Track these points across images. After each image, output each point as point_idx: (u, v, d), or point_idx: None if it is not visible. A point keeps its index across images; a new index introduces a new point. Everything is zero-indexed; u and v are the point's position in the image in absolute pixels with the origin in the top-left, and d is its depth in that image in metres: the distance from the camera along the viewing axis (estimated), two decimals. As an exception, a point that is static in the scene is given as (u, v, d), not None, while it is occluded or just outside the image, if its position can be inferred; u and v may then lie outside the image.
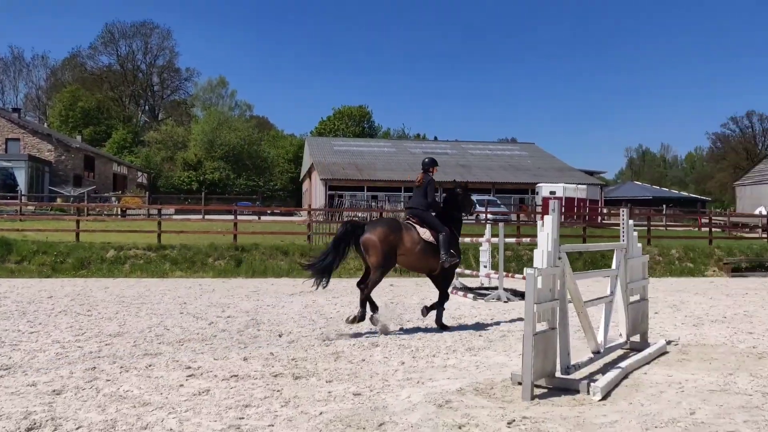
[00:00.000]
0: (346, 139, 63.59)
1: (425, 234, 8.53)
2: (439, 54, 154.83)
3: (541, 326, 5.26)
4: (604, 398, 5.13)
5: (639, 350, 6.81)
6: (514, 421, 4.52)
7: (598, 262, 19.26)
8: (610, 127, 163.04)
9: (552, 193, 36.54)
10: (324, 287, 8.22)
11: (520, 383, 5.21)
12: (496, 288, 12.79)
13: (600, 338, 6.29)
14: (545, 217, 5.32)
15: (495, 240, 13.70)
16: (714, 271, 21.39)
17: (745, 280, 19.58)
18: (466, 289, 13.58)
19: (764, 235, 27.67)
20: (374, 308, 8.36)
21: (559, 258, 5.32)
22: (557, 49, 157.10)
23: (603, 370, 5.97)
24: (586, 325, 5.91)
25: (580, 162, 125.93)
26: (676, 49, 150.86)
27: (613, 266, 6.84)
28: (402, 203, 38.13)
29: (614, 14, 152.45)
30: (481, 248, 15.01)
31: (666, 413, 4.71)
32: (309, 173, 51.97)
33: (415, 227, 8.60)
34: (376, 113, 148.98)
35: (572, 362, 5.64)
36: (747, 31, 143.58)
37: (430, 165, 9.08)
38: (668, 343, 7.54)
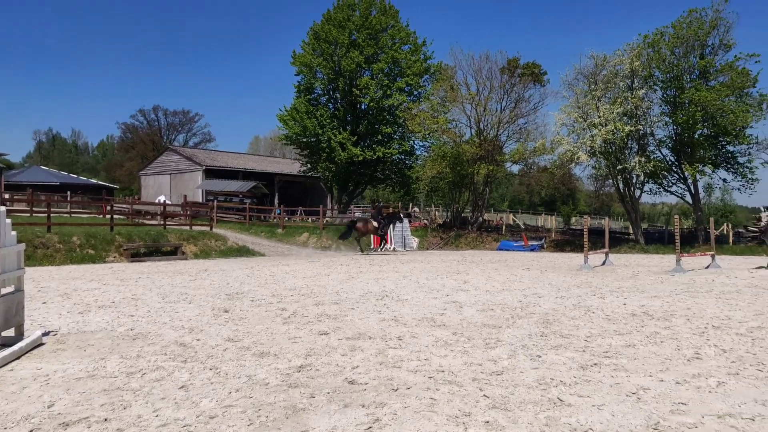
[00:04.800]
0: None
1: (373, 223, 28.90)
2: None
3: None
4: (-44, 405, 4.59)
5: (11, 345, 6.38)
6: None
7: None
8: (17, 108, 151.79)
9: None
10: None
11: None
12: None
13: (-39, 337, 5.63)
14: None
15: None
16: (115, 257, 22.02)
17: (142, 264, 20.75)
18: None
19: (162, 222, 29.90)
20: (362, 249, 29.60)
21: None
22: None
23: (-38, 372, 5.37)
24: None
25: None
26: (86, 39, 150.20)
27: (-20, 257, 6.23)
28: None
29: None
30: None
31: (22, 410, 4.48)
32: None
33: (371, 221, 28.93)
34: None
35: None
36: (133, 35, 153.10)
37: (381, 207, 35.98)
38: (47, 333, 7.31)
